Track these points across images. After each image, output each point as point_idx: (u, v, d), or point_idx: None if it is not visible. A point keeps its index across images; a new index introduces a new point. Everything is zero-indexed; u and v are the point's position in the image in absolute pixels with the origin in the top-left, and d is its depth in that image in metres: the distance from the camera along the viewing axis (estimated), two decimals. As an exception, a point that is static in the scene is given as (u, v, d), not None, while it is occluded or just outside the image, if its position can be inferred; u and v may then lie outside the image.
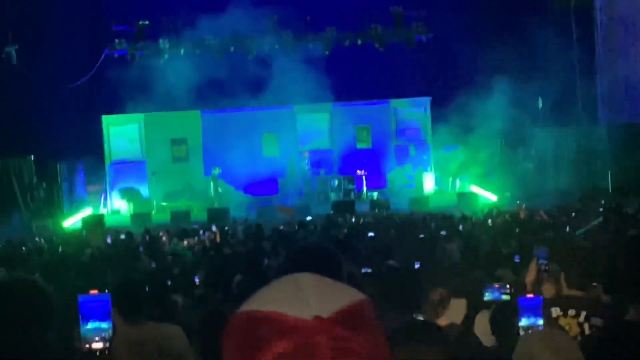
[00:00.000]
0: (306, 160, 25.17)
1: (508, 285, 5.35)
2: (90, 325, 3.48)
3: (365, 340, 1.60)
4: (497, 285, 5.33)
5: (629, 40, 23.70)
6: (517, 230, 13.15)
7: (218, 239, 15.13)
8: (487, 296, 5.26)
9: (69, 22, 24.06)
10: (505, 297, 5.24)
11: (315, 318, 1.58)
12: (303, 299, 1.61)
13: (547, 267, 5.54)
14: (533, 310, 3.86)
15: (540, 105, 23.00)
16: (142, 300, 5.15)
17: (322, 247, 3.26)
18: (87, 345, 3.47)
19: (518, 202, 19.00)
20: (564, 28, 22.19)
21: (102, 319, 3.49)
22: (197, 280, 9.53)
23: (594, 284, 5.43)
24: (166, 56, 24.71)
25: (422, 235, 12.70)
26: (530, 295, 3.98)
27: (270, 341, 1.57)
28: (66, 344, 3.73)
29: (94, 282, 6.97)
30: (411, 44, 24.87)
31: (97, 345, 3.46)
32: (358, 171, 24.81)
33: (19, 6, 22.98)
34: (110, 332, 3.48)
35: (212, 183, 24.29)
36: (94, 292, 3.53)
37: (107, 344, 3.47)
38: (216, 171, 24.35)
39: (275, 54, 24.96)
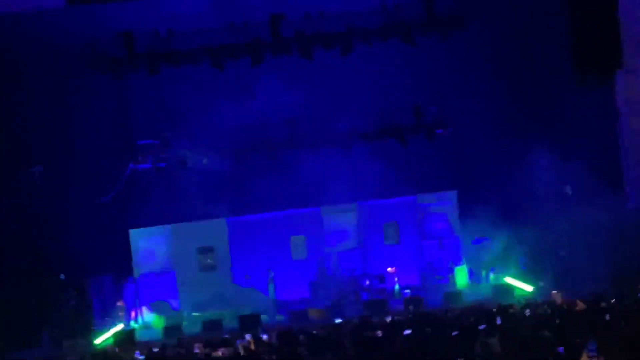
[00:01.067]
0: (334, 261, 25.01)
1: None
2: None
3: None
4: None
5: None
6: (556, 320, 12.88)
7: (253, 347, 14.91)
8: None
9: (93, 139, 24.41)
10: None
11: None
12: None
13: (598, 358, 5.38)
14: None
15: (569, 191, 22.83)
16: None
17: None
18: None
19: (553, 291, 18.69)
20: (588, 112, 22.20)
21: None
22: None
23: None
24: (189, 166, 24.89)
25: (455, 333, 12.46)
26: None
27: None
28: None
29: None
30: (431, 139, 24.89)
31: None
32: (388, 269, 24.61)
33: (45, 126, 23.39)
34: None
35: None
36: None
37: None
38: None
39: (299, 157, 25.08)
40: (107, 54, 22.46)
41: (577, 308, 15.00)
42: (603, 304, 14.67)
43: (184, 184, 24.49)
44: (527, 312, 15.33)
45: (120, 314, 24.07)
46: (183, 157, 24.70)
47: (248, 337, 16.11)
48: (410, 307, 21.03)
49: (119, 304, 24.21)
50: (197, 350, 15.73)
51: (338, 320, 19.19)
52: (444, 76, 25.26)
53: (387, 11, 22.45)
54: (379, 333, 13.95)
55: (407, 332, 12.96)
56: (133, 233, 25.40)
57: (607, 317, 12.71)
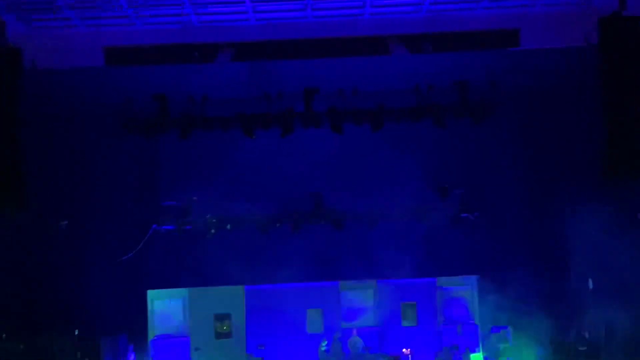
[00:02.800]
0: (356, 338, 24.83)
1: None
2: None
3: None
4: None
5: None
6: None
7: None
8: None
9: (120, 198, 24.58)
10: None
11: None
12: None
13: None
14: None
15: (591, 286, 22.62)
16: None
17: None
18: None
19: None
20: (611, 212, 22.08)
21: None
22: None
23: None
24: (213, 231, 24.92)
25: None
26: None
27: None
28: None
29: None
30: (456, 223, 24.83)
31: None
32: (404, 350, 24.34)
33: (71, 181, 23.55)
34: None
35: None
36: None
37: None
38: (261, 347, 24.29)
39: (321, 230, 25.07)
40: (140, 115, 22.71)
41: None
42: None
43: (205, 248, 24.54)
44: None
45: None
46: (207, 222, 24.76)
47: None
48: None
49: (132, 365, 24.07)
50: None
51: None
52: (473, 160, 25.26)
53: (420, 92, 22.59)
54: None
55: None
56: (150, 294, 25.34)
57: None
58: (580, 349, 22.45)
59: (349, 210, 25.02)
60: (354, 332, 25.05)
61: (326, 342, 24.56)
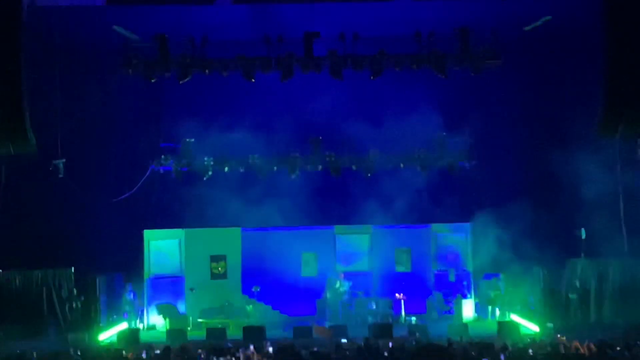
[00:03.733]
0: (342, 282, 25.02)
1: None
2: None
3: None
4: None
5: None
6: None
7: (254, 359, 14.97)
8: None
9: (117, 138, 24.66)
10: None
11: None
12: None
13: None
14: None
15: (583, 235, 22.81)
16: None
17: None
18: None
19: (558, 335, 18.65)
20: (609, 158, 22.17)
21: None
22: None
23: None
24: (210, 173, 25.04)
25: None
26: None
27: None
28: None
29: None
30: (453, 171, 24.96)
31: None
32: (397, 295, 24.58)
33: (69, 121, 23.56)
34: None
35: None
36: None
37: None
38: (256, 289, 24.57)
39: (318, 175, 25.21)
40: (141, 55, 22.65)
41: (581, 352, 14.98)
42: (609, 352, 14.64)
43: (203, 190, 24.70)
44: (531, 351, 15.31)
45: (127, 313, 24.18)
46: (205, 164, 24.88)
47: (251, 348, 16.19)
48: (417, 335, 20.98)
49: (127, 303, 24.31)
50: (202, 357, 15.80)
51: (343, 341, 19.18)
52: (471, 108, 25.28)
53: (421, 39, 22.51)
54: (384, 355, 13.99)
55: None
56: (147, 234, 25.54)
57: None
58: (571, 296, 22.72)
59: (346, 156, 25.13)
60: (341, 275, 25.24)
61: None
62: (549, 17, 22.14)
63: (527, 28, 22.80)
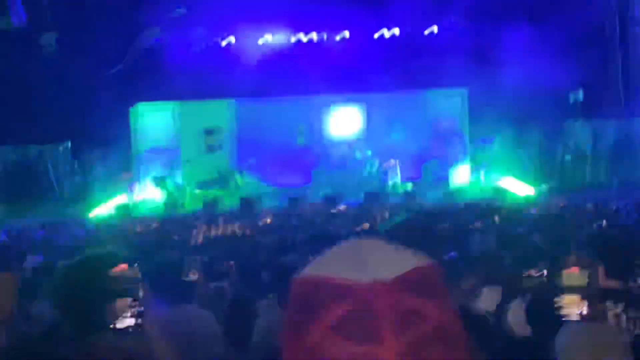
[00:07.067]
0: (339, 150, 25.03)
1: (545, 272, 5.21)
2: (120, 301, 3.46)
3: (432, 307, 1.55)
4: (533, 273, 5.18)
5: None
6: (554, 223, 12.92)
7: (249, 229, 15.08)
8: (523, 284, 5.13)
9: (105, 9, 24.12)
10: (541, 284, 5.10)
11: (375, 281, 1.53)
12: (362, 262, 1.57)
13: (586, 260, 5.46)
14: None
15: (581, 97, 22.65)
16: (177, 283, 5.24)
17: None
18: (119, 321, 3.45)
19: (556, 196, 18.77)
20: (607, 19, 21.81)
21: (132, 294, 3.46)
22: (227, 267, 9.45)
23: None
24: (203, 44, 24.66)
25: (449, 227, 12.50)
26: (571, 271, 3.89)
27: (327, 306, 1.54)
28: (99, 321, 3.65)
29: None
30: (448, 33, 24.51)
31: (129, 321, 3.44)
32: (392, 161, 24.55)
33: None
34: (141, 308, 3.45)
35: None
36: (123, 266, 3.48)
37: (139, 320, 3.44)
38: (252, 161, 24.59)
39: (312, 43, 24.85)
40: None
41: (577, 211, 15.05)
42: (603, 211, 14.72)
43: (194, 61, 24.33)
44: (525, 213, 15.38)
45: (123, 186, 24.25)
46: (197, 34, 24.47)
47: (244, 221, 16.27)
48: (409, 200, 21.12)
49: (123, 176, 24.36)
50: (198, 228, 15.89)
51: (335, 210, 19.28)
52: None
53: None
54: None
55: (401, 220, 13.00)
56: (140, 107, 25.35)
57: (605, 222, 12.74)
58: (567, 157, 22.78)
59: (341, 22, 24.71)
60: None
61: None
62: None
63: None
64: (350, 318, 1.51)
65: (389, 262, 1.57)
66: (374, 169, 24.66)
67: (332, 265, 1.57)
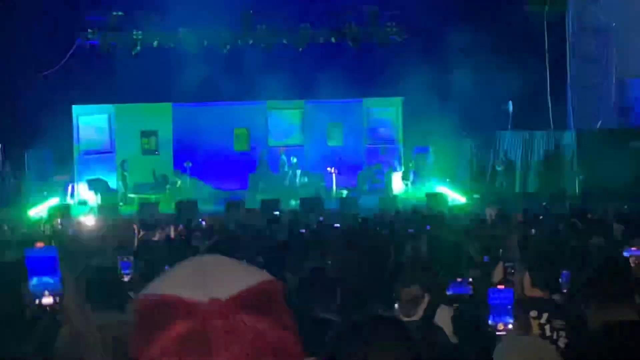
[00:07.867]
0: (275, 156, 25.16)
1: (471, 280, 5.27)
2: (38, 281, 3.42)
3: (269, 323, 1.58)
4: (460, 280, 5.22)
5: (600, 49, 24.01)
6: (483, 231, 13.20)
7: (185, 233, 15.07)
8: (450, 291, 5.14)
9: (40, 10, 23.82)
10: (469, 292, 5.15)
11: (211, 300, 1.56)
12: (201, 280, 1.59)
13: (513, 269, 5.62)
14: (503, 308, 3.76)
15: (511, 108, 23.14)
16: (112, 287, 5.19)
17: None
18: (37, 301, 3.42)
19: (487, 205, 19.08)
20: (537, 34, 22.34)
21: (50, 273, 3.41)
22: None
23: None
24: (139, 48, 24.54)
25: (385, 233, 12.70)
26: (500, 287, 3.93)
27: (166, 325, 1.57)
28: (16, 300, 3.69)
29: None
30: (384, 44, 24.86)
31: (47, 300, 3.41)
32: (328, 168, 24.74)
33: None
34: (59, 286, 3.42)
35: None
36: (40, 245, 3.46)
37: (57, 299, 3.42)
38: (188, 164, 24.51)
39: (249, 49, 24.89)
40: None
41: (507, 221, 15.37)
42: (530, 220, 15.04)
43: (132, 65, 24.17)
44: (456, 220, 15.66)
45: (57, 188, 24.00)
46: (134, 38, 24.33)
47: (181, 226, 16.24)
48: (344, 207, 21.30)
49: (57, 178, 24.11)
50: (135, 231, 15.79)
51: (275, 213, 19.36)
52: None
53: None
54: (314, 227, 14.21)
55: (337, 225, 13.22)
56: (75, 109, 25.13)
57: (533, 232, 13.06)
58: (498, 168, 23.22)
59: (279, 30, 24.81)
60: (282, 150, 25.34)
61: None
62: None
63: None
64: (188, 336, 1.55)
65: (229, 280, 1.60)
66: (296, 176, 24.87)
67: (172, 284, 1.61)
